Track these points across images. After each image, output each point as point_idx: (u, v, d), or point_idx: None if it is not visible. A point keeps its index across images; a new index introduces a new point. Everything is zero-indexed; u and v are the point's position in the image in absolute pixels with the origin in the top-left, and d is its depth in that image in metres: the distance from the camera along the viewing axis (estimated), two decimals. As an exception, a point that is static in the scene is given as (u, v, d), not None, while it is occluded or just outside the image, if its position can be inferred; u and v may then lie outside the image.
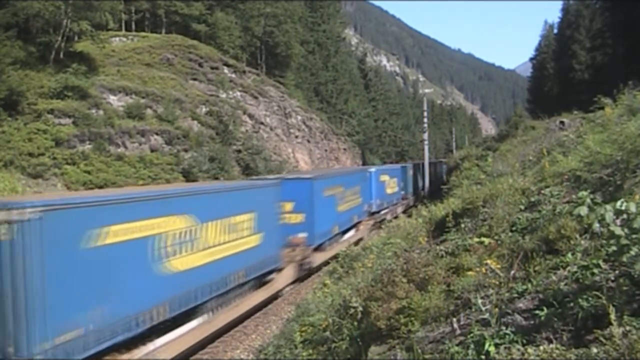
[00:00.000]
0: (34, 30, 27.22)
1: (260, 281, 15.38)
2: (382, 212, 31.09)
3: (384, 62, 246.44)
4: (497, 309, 4.23)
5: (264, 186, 16.13)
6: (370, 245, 15.62)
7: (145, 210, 9.86)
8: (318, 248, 19.79)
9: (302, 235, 18.14)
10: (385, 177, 32.45)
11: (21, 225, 7.26)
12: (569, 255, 4.88)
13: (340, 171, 28.26)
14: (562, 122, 18.83)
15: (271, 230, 15.37)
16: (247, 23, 47.87)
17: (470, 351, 3.83)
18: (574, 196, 6.58)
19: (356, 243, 22.85)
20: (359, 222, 26.29)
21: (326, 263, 20.00)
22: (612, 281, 3.86)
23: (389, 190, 33.32)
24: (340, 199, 22.63)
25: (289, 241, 17.60)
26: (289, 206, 17.70)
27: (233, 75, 43.28)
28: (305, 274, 18.73)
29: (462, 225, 8.74)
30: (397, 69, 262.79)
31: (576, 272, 4.18)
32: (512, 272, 5.10)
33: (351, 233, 24.79)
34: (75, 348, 7.99)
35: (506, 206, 8.02)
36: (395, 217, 29.36)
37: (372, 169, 31.01)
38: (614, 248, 3.66)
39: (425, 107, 48.03)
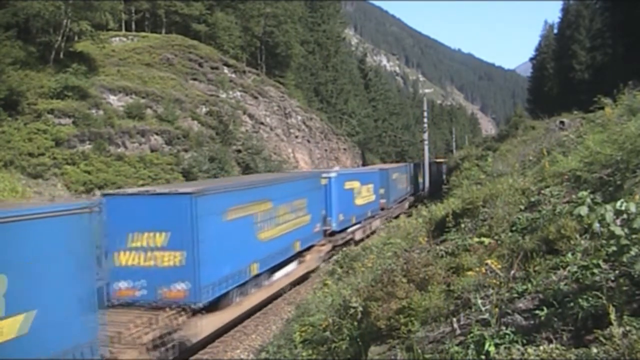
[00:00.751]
0: (34, 30, 27.22)
1: None
2: (350, 229, 24.07)
3: (384, 62, 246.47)
4: (497, 309, 4.23)
5: (35, 217, 7.68)
6: (370, 245, 15.64)
7: None
8: (214, 306, 12.42)
9: (180, 287, 11.27)
10: (353, 184, 24.81)
11: None
12: (569, 255, 4.89)
13: (262, 180, 17.68)
14: (562, 122, 18.86)
15: (68, 299, 8.04)
16: (247, 23, 47.88)
17: (470, 351, 3.83)
18: (574, 196, 6.59)
19: (297, 281, 18.07)
20: (306, 249, 18.99)
21: (230, 328, 13.75)
22: (612, 281, 3.87)
23: (359, 201, 25.64)
24: (266, 221, 14.98)
25: (160, 298, 11.34)
26: (160, 239, 11.31)
27: (233, 75, 43.28)
28: (175, 357, 11.20)
29: (462, 225, 8.76)
30: (397, 69, 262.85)
31: (576, 272, 4.18)
32: (512, 272, 5.10)
33: (290, 268, 17.53)
34: None
35: (506, 206, 8.03)
36: (372, 233, 26.23)
37: (332, 174, 22.58)
38: (614, 248, 3.66)
39: (425, 107, 48.08)
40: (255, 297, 14.79)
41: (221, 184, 14.53)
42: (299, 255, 18.27)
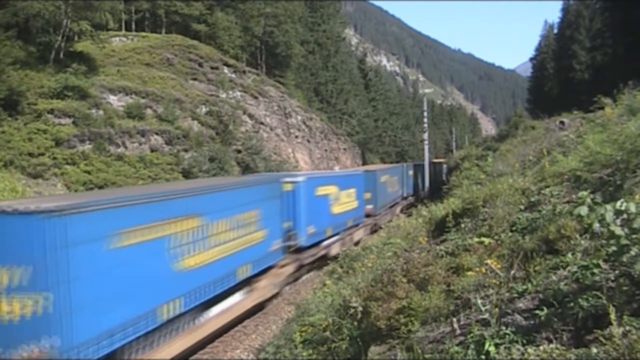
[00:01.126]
0: (34, 30, 27.23)
1: None
2: (324, 243, 20.47)
3: (384, 62, 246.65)
4: (497, 309, 4.23)
5: None
6: (370, 245, 15.62)
7: None
8: None
9: (43, 346, 7.78)
10: (329, 190, 21.11)
11: None
12: (569, 255, 4.89)
13: (185, 189, 12.45)
14: (562, 122, 18.89)
15: None
16: (247, 23, 47.92)
17: (470, 351, 3.83)
18: (574, 196, 6.60)
19: (247, 315, 14.36)
20: (261, 273, 14.96)
21: None
22: (612, 281, 3.86)
23: (337, 209, 21.88)
24: (193, 244, 11.08)
25: None
26: (15, 277, 7.85)
27: (233, 75, 43.31)
28: None
29: (462, 225, 8.76)
30: (397, 69, 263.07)
31: (576, 272, 4.18)
32: (512, 272, 5.10)
33: (235, 299, 13.51)
34: None
35: (506, 206, 8.03)
36: (355, 245, 21.78)
37: (299, 178, 18.63)
38: (614, 248, 3.66)
39: (425, 107, 48.06)
40: (177, 345, 10.96)
41: (114, 196, 10.19)
42: (249, 281, 14.37)
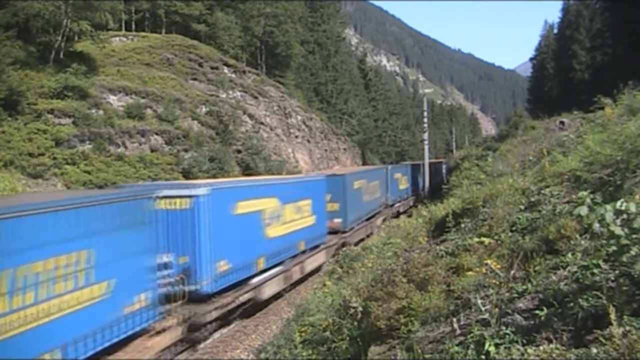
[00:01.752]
0: (34, 30, 27.21)
1: None
2: (254, 281, 14.98)
3: (384, 62, 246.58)
4: (497, 309, 4.23)
5: None
6: (370, 245, 15.63)
7: None
8: None
9: None
10: (263, 204, 15.62)
11: None
12: (569, 255, 4.88)
13: None
14: (562, 122, 18.89)
15: None
16: (247, 23, 47.92)
17: (470, 351, 3.83)
18: (574, 196, 6.59)
19: None
20: (111, 350, 9.51)
21: None
22: (612, 281, 3.86)
23: (276, 231, 16.44)
24: None
25: None
26: None
27: (233, 75, 43.30)
28: None
29: (462, 225, 8.76)
30: (397, 69, 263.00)
31: (576, 272, 4.17)
32: (512, 272, 5.10)
33: None
34: None
35: (506, 206, 8.03)
36: (313, 274, 18.05)
37: (200, 190, 12.64)
38: (614, 248, 3.66)
39: (425, 107, 48.01)
40: None
41: None
42: None
